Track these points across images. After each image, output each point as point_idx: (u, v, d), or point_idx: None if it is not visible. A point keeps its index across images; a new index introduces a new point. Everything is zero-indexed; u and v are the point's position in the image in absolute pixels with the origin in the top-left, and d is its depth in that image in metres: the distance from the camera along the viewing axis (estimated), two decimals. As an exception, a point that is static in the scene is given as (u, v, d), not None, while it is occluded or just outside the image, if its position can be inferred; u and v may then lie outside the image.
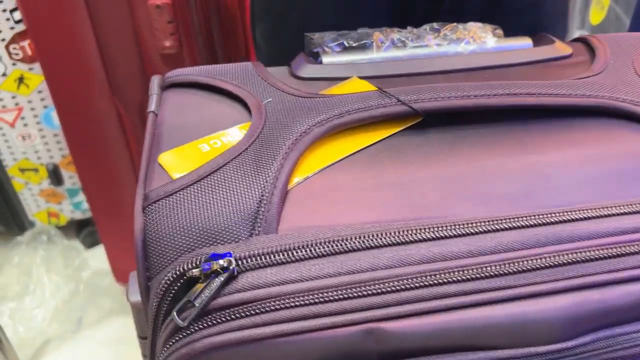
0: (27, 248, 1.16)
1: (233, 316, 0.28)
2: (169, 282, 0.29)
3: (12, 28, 0.95)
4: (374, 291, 0.28)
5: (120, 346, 1.02)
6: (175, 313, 0.28)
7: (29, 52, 0.98)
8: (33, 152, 1.08)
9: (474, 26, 0.48)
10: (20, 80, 1.00)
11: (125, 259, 1.03)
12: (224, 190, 0.32)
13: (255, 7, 0.66)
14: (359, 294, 0.29)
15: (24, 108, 1.03)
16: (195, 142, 0.36)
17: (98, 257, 1.14)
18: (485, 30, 0.47)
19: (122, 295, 1.09)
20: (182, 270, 0.29)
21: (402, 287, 0.28)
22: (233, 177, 0.33)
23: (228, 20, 0.84)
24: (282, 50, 0.60)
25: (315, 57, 0.46)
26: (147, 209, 0.31)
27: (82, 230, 1.21)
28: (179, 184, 0.32)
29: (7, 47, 0.97)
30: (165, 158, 0.35)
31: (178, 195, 0.32)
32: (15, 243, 1.17)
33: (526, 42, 0.47)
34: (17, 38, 0.96)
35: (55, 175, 1.10)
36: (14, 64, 0.98)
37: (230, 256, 0.29)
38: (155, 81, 0.43)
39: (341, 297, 0.29)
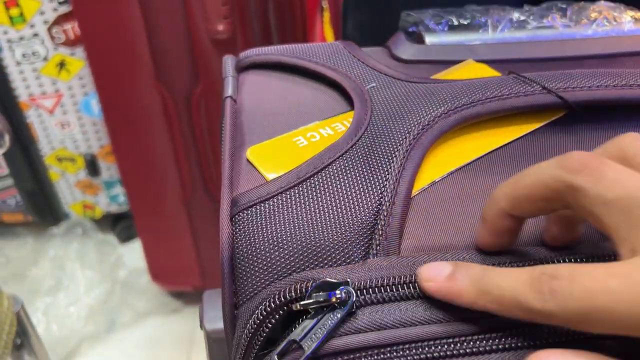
0: (62, 241, 1.11)
1: (353, 366, 0.21)
2: (265, 312, 0.22)
3: (55, 10, 0.90)
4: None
5: (155, 350, 0.96)
6: (276, 357, 0.21)
7: (72, 36, 0.92)
8: (71, 141, 1.03)
9: (606, 6, 0.40)
10: (62, 65, 0.95)
11: (163, 257, 0.97)
12: (332, 195, 0.25)
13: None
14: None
15: (64, 95, 0.98)
16: (289, 135, 0.29)
17: (133, 254, 1.09)
18: (620, 11, 0.39)
19: (158, 296, 1.04)
20: (283, 300, 0.22)
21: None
22: (342, 180, 0.25)
23: (285, 2, 0.77)
24: (361, 28, 0.52)
25: (413, 37, 0.39)
26: (236, 217, 0.25)
27: (117, 224, 1.16)
28: (276, 186, 0.25)
29: (49, 29, 0.92)
30: (255, 153, 0.28)
31: (275, 200, 0.25)
32: (50, 235, 1.13)
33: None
34: (60, 20, 0.91)
35: (92, 166, 1.05)
36: (55, 48, 0.93)
37: (348, 287, 0.22)
38: (228, 62, 0.36)
39: (494, 347, 0.21)
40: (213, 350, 0.28)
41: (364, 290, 0.22)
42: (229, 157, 0.28)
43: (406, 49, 0.36)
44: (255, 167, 0.27)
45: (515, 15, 0.38)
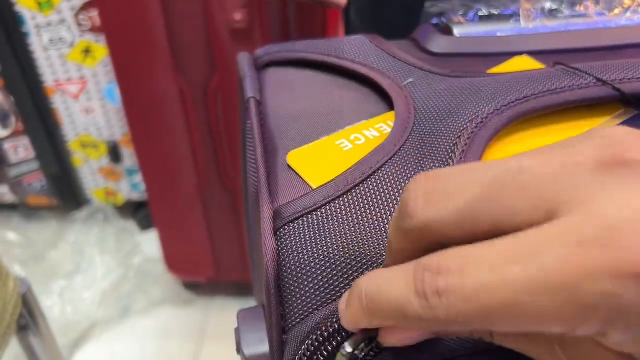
0: (83, 226, 1.13)
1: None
2: (321, 339, 0.20)
3: (81, -4, 0.91)
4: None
5: (166, 339, 0.96)
6: None
7: (97, 23, 0.93)
8: (95, 127, 1.05)
9: (635, -6, 0.36)
10: (87, 51, 0.96)
11: (178, 247, 0.97)
12: (384, 202, 0.23)
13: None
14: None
15: (89, 81, 0.99)
16: (331, 138, 0.27)
17: (151, 243, 1.10)
18: (649, 0, 0.36)
19: (172, 285, 1.04)
20: (338, 326, 0.19)
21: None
22: (393, 185, 0.23)
23: (306, -7, 0.75)
24: (380, 24, 0.50)
25: (439, 29, 0.36)
26: (281, 231, 0.22)
27: (138, 212, 1.16)
28: (322, 195, 0.23)
29: (76, 16, 0.93)
30: (296, 158, 0.26)
31: (323, 211, 0.22)
32: (72, 219, 1.14)
33: None
34: (86, 7, 0.92)
35: (114, 153, 1.06)
36: (81, 35, 0.94)
37: None
38: (244, 60, 0.34)
39: None
40: None
41: None
42: (262, 163, 0.25)
43: (437, 42, 0.33)
44: (297, 174, 0.25)
45: (547, 4, 0.35)
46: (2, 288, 0.59)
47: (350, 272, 0.21)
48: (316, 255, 0.21)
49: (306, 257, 0.21)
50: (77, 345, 0.95)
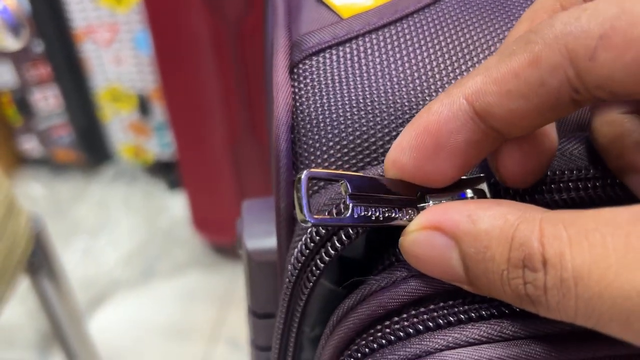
0: (109, 183, 1.09)
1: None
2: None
3: None
4: None
5: (189, 302, 0.91)
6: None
7: (131, -35, 0.88)
8: (125, 78, 1.00)
9: None
10: (120, -5, 0.91)
11: (206, 206, 0.92)
12: (451, 36, 0.16)
13: None
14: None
15: (120, 28, 0.94)
16: None
17: (178, 205, 1.05)
18: None
19: (198, 248, 0.99)
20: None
21: None
22: (462, 14, 0.17)
23: None
24: None
25: None
26: (299, 66, 0.16)
27: (167, 172, 1.12)
28: (361, 22, 0.17)
29: (109, -44, 0.88)
30: None
31: (361, 43, 0.16)
32: (98, 177, 1.11)
33: None
34: (120, -53, 0.87)
35: (143, 105, 1.01)
36: (114, -23, 0.90)
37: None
38: None
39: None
40: (255, 278, 0.19)
41: None
42: None
43: None
44: (325, 5, 0.19)
45: None
46: (13, 222, 0.55)
47: (394, 125, 0.15)
48: (347, 100, 0.15)
49: (333, 102, 0.15)
50: (97, 304, 0.91)
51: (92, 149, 1.08)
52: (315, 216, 0.12)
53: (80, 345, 0.68)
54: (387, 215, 0.12)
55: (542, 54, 0.10)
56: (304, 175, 0.12)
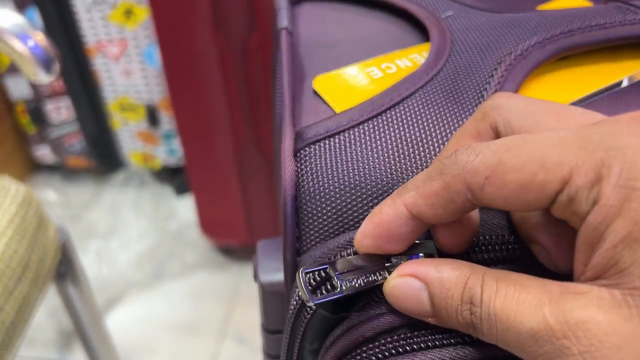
0: (120, 188, 1.14)
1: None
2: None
3: (124, -44, 0.91)
4: None
5: (198, 302, 0.97)
6: (303, 275, 0.18)
7: (139, -17, 0.93)
8: (134, 90, 1.05)
9: None
10: (129, 12, 0.96)
11: (212, 210, 0.97)
12: (411, 131, 0.21)
13: None
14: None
15: (129, 43, 0.99)
16: (362, 65, 0.25)
17: (186, 209, 1.10)
18: None
19: (206, 250, 1.04)
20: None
21: None
22: (422, 114, 0.22)
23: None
24: None
25: None
26: (301, 152, 0.21)
27: (174, 177, 1.17)
28: (347, 119, 0.22)
29: (118, -24, 0.93)
30: (322, 83, 0.24)
31: (346, 135, 0.21)
32: (110, 183, 1.16)
33: None
34: (128, -33, 0.92)
35: (152, 116, 1.07)
36: (123, -5, 0.94)
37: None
38: None
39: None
40: (268, 304, 0.25)
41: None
42: (289, 88, 0.24)
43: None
44: (322, 99, 0.24)
45: None
46: (44, 234, 0.60)
47: (371, 197, 0.20)
48: (336, 179, 0.20)
49: (326, 180, 0.20)
50: (112, 305, 0.96)
51: (103, 156, 1.14)
52: (315, 298, 0.17)
53: (101, 344, 0.74)
54: (366, 280, 0.18)
55: (450, 183, 0.16)
56: (300, 271, 0.17)
